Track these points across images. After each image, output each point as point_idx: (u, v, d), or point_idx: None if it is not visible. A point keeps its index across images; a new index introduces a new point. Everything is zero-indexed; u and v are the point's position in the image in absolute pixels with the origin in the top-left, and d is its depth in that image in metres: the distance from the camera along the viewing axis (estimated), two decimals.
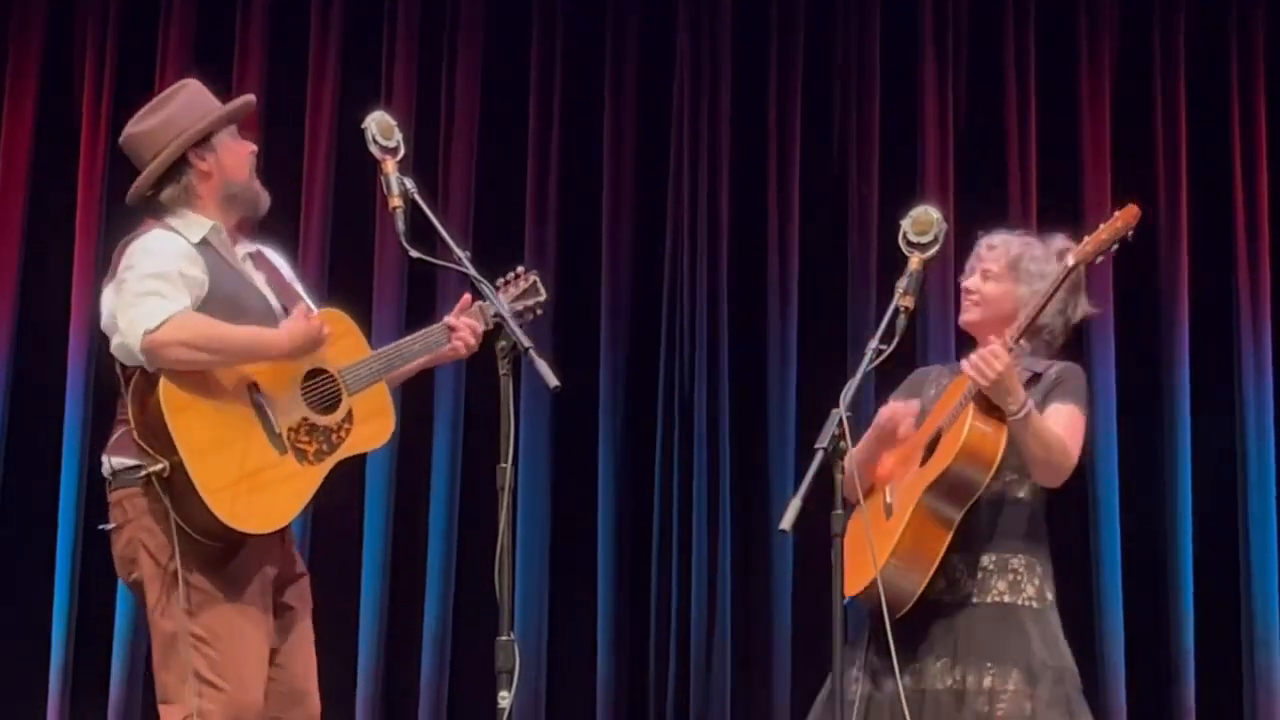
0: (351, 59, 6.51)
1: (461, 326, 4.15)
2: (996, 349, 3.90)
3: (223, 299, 3.88)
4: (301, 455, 3.88)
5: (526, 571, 6.21)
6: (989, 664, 3.96)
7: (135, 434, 3.81)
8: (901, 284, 3.96)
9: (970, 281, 4.16)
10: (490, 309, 4.06)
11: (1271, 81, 6.52)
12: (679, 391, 6.35)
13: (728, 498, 6.25)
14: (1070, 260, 4.00)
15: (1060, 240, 4.18)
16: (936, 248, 4.00)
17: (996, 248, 4.15)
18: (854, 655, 4.03)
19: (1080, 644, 6.19)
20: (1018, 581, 4.08)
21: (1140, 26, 6.53)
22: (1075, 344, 6.28)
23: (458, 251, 3.80)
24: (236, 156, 4.05)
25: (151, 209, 4.01)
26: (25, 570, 6.29)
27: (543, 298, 4.32)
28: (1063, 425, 4.01)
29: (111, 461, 3.90)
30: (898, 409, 4.14)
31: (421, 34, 6.51)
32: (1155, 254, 6.41)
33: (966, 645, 3.97)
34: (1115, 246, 4.04)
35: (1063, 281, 3.97)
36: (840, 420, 3.77)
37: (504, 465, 3.65)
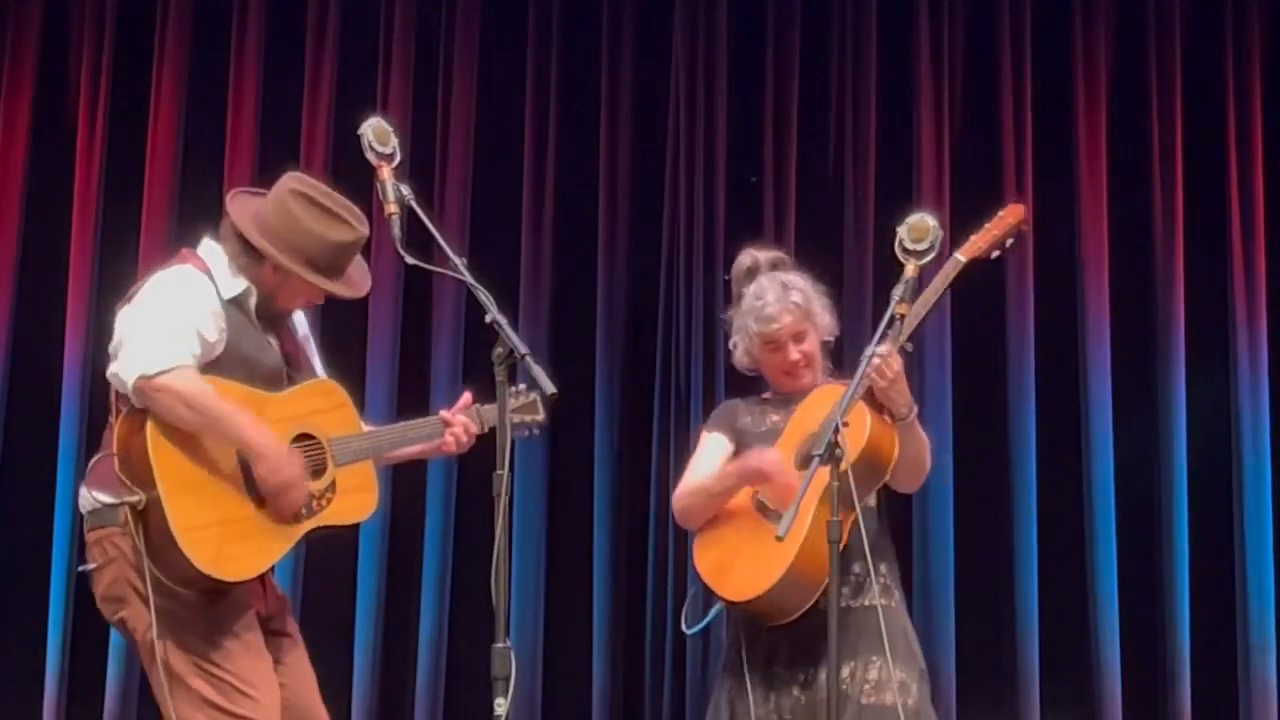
0: (347, 65, 6.51)
1: (457, 424, 4.15)
2: (890, 351, 3.98)
3: (239, 356, 3.89)
4: (279, 513, 3.88)
5: (522, 578, 6.21)
6: (874, 657, 4.05)
7: (117, 464, 3.80)
8: (898, 292, 3.99)
9: (795, 356, 4.23)
10: (489, 415, 4.13)
11: (1267, 84, 6.52)
12: (675, 397, 6.35)
13: None
14: (961, 258, 4.10)
15: (747, 258, 4.34)
16: (933, 255, 4.03)
17: (787, 313, 4.21)
18: (741, 672, 4.12)
19: (1075, 650, 6.26)
20: (887, 586, 4.16)
21: (1136, 30, 6.54)
22: (1070, 342, 6.34)
23: (454, 258, 3.80)
24: (298, 295, 4.01)
25: (208, 224, 4.01)
26: (21, 576, 6.28)
27: (541, 417, 4.32)
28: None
29: (92, 495, 3.88)
30: (777, 462, 4.13)
31: (417, 39, 6.51)
32: (1151, 258, 6.42)
33: (852, 645, 4.04)
34: (1010, 242, 4.19)
35: (955, 279, 4.06)
36: (836, 427, 3.78)
37: (500, 472, 3.64)
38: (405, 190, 3.83)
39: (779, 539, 3.76)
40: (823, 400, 4.14)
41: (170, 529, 3.71)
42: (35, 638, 6.19)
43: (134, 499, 3.74)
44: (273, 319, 4.03)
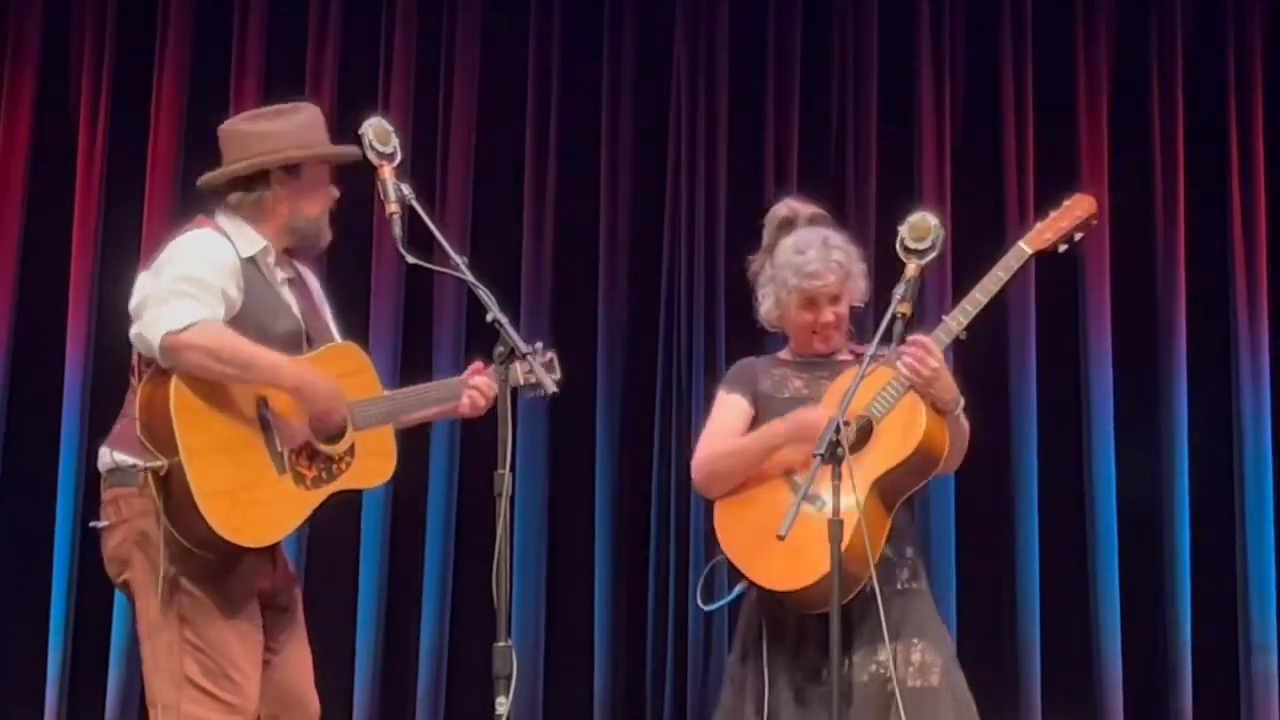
0: (348, 64, 6.51)
1: (477, 384, 4.13)
2: (929, 344, 3.91)
3: (255, 319, 3.88)
4: (299, 479, 3.88)
5: (524, 577, 6.21)
6: (915, 640, 3.99)
7: (138, 429, 3.79)
8: (899, 291, 3.95)
9: (829, 316, 4.10)
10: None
11: (1269, 83, 6.52)
12: (676, 397, 6.35)
13: None
14: (1026, 248, 4.01)
15: (783, 208, 4.20)
16: (934, 254, 3.99)
17: (831, 268, 4.08)
18: (760, 656, 4.03)
19: (1077, 650, 6.26)
20: (915, 570, 4.11)
21: (1137, 30, 6.54)
22: (1072, 342, 6.34)
23: (455, 257, 3.79)
24: (316, 195, 4.03)
25: (214, 203, 4.00)
26: (22, 576, 6.29)
27: (556, 376, 4.25)
28: None
29: (112, 456, 3.88)
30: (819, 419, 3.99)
31: (418, 39, 6.52)
32: (1153, 258, 6.42)
33: (891, 629, 3.96)
34: (1080, 236, 4.07)
35: (1019, 271, 3.99)
36: (838, 426, 3.76)
37: (501, 471, 3.64)
38: (406, 189, 3.83)
39: (779, 538, 3.73)
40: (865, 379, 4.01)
41: (191, 492, 3.71)
42: (36, 640, 6.19)
43: (156, 464, 3.74)
44: (306, 255, 4.05)
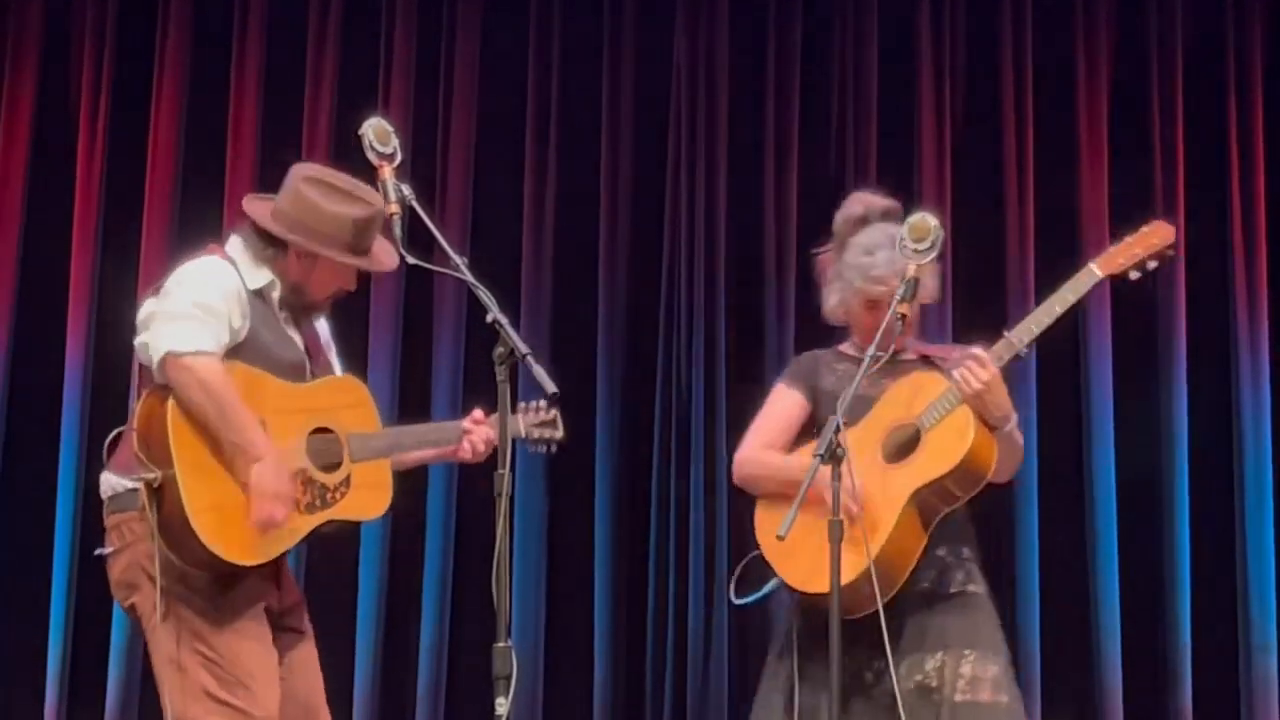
0: (348, 65, 6.51)
1: (476, 431, 4.16)
2: (984, 358, 3.89)
3: (262, 347, 3.91)
4: (294, 503, 3.88)
5: (524, 578, 6.21)
6: (966, 651, 3.96)
7: (136, 440, 3.81)
8: (899, 291, 3.93)
9: (911, 311, 3.99)
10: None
11: (1269, 84, 6.52)
12: (676, 397, 6.35)
13: (725, 505, 6.25)
14: (1097, 271, 3.93)
15: (855, 206, 4.16)
16: (934, 255, 3.98)
17: (891, 269, 4.02)
18: (792, 659, 4.00)
19: (1076, 649, 6.25)
20: (971, 572, 4.08)
21: (1137, 30, 6.54)
22: (1072, 342, 6.33)
23: (455, 257, 3.79)
24: (328, 283, 4.04)
25: (235, 230, 4.03)
26: (22, 577, 6.29)
27: (559, 435, 4.36)
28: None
29: (111, 481, 3.91)
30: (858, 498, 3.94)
31: (418, 39, 6.51)
32: None
33: (940, 636, 3.95)
34: (1154, 265, 3.99)
35: (1088, 293, 3.93)
36: (838, 427, 3.76)
37: (501, 471, 3.64)
38: (406, 190, 3.82)
39: (779, 538, 3.72)
40: (914, 387, 4.02)
41: (183, 507, 3.73)
42: (36, 639, 6.19)
43: (150, 476, 3.76)
44: (301, 313, 4.05)
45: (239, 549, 3.80)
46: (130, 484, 3.84)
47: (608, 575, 6.29)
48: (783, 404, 4.18)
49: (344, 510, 3.97)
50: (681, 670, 6.21)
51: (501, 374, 3.71)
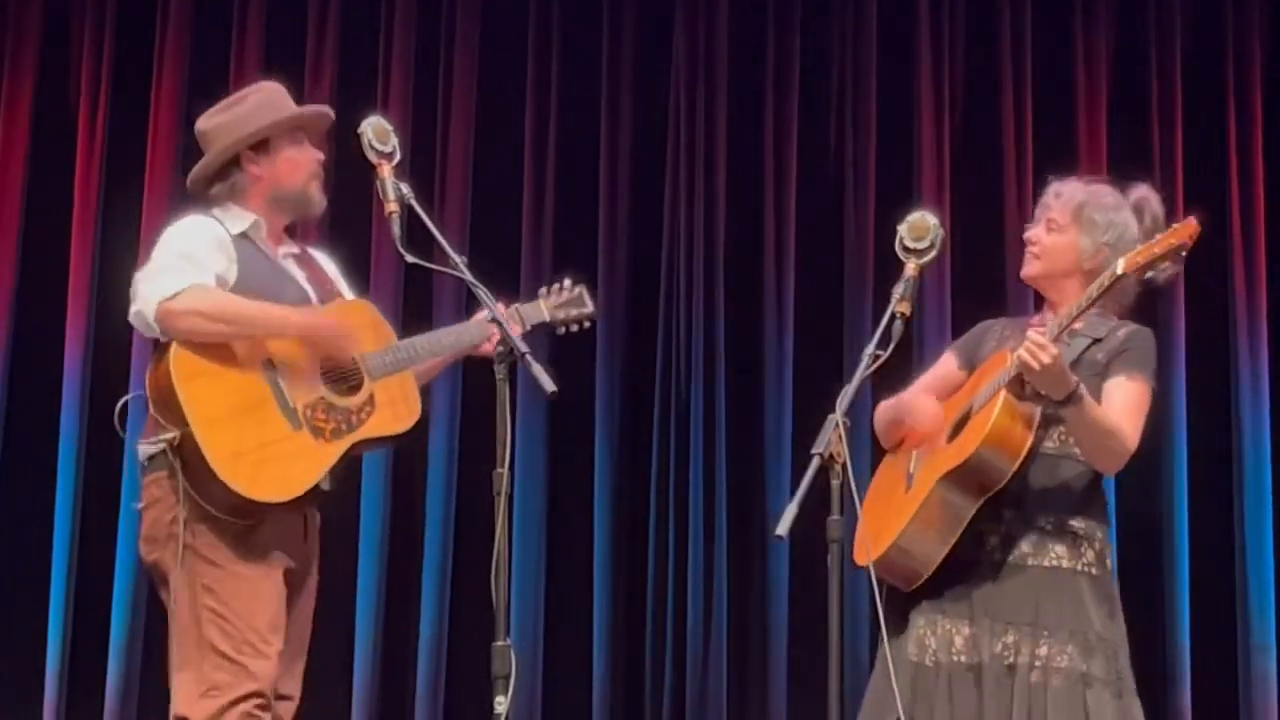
0: (348, 62, 6.51)
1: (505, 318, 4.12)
2: (1045, 343, 3.74)
3: (256, 289, 3.91)
4: (318, 432, 3.89)
5: (523, 576, 6.21)
6: (1045, 632, 3.85)
7: (150, 406, 3.86)
8: (898, 290, 3.92)
9: (1033, 232, 4.05)
10: (530, 313, 4.17)
11: (1268, 84, 6.52)
12: (675, 396, 6.35)
13: (724, 503, 6.25)
14: (1120, 268, 3.85)
15: (1141, 190, 4.14)
16: (933, 254, 3.97)
17: (1063, 195, 4.05)
18: (909, 610, 3.92)
19: None
20: (1077, 545, 3.95)
21: (1136, 30, 6.54)
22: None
23: (454, 257, 3.80)
24: (293, 164, 4.06)
25: (204, 202, 4.05)
26: (22, 575, 6.28)
27: (589, 310, 4.33)
28: (1120, 404, 3.87)
29: (140, 449, 3.94)
30: (927, 418, 4.00)
31: (417, 38, 6.52)
32: None
33: (1017, 610, 3.85)
34: (1167, 264, 3.94)
35: (1109, 288, 3.83)
36: (836, 425, 3.75)
37: (500, 470, 3.65)
38: (405, 189, 3.83)
39: (779, 537, 3.71)
40: (994, 364, 3.94)
41: (206, 458, 3.76)
42: (35, 637, 6.19)
43: (170, 435, 3.79)
44: (303, 224, 4.11)
45: (270, 487, 3.82)
46: (151, 448, 3.87)
47: (607, 574, 6.29)
48: (937, 368, 4.19)
49: (372, 429, 3.97)
50: (681, 669, 6.21)
51: (500, 373, 3.72)
